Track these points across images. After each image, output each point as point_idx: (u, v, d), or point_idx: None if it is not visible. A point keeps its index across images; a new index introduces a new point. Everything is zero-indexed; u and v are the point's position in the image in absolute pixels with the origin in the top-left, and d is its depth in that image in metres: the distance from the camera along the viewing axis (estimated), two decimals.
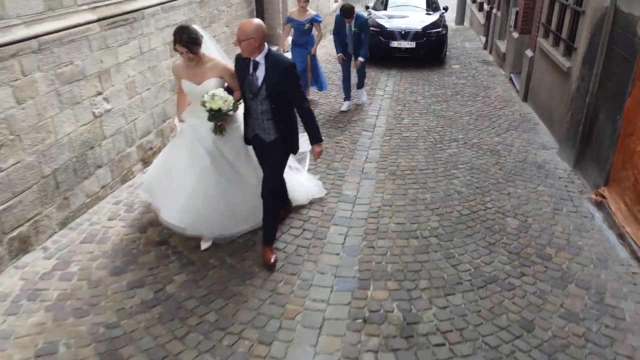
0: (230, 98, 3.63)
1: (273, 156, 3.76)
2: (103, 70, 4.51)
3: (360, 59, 7.23)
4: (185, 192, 3.76)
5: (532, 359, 2.91)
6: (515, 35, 8.90)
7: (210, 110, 3.56)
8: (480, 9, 14.56)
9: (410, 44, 10.07)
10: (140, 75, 5.09)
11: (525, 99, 7.85)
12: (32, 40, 3.68)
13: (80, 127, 4.28)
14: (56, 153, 4.02)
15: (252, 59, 3.51)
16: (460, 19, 16.71)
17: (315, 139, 3.76)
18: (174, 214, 3.78)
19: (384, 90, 8.55)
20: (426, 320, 3.23)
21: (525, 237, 4.16)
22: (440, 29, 10.33)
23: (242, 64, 3.62)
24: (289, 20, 7.27)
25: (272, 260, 3.74)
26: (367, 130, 6.63)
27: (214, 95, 3.54)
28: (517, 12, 9.11)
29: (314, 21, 7.21)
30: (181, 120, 3.99)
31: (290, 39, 7.75)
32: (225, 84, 3.80)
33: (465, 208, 4.62)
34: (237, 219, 4.02)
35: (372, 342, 3.05)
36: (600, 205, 4.59)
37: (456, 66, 10.39)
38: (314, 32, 7.37)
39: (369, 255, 3.91)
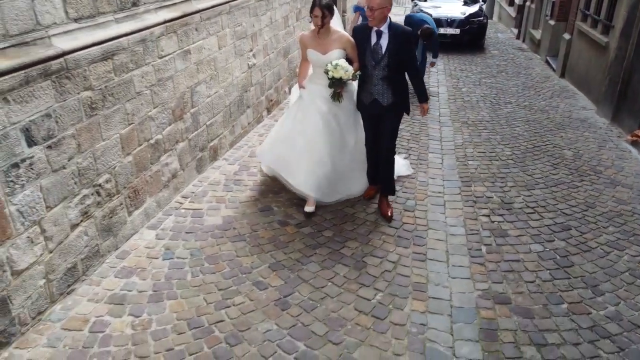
0: (351, 68, 3.98)
1: (390, 118, 4.12)
2: (254, 32, 5.90)
3: (433, 60, 8.26)
4: (298, 154, 4.18)
5: (598, 220, 4.25)
6: (552, 22, 10.22)
7: (332, 79, 3.97)
8: (511, 3, 15.89)
9: (455, 31, 11.41)
10: (269, 40, 6.47)
11: (562, 75, 9.16)
12: (226, 4, 5.07)
13: (242, 73, 5.67)
14: (232, 90, 5.41)
15: (375, 28, 3.87)
16: (489, 14, 18.02)
17: (424, 98, 4.24)
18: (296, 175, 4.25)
19: (437, 68, 9.88)
20: (518, 202, 4.58)
21: (579, 161, 5.49)
22: (481, 18, 11.69)
23: (362, 34, 3.98)
24: (358, 8, 8.10)
25: (390, 213, 4.22)
26: (433, 96, 7.97)
27: (337, 65, 3.93)
28: (553, 3, 10.44)
29: None
30: (302, 87, 4.36)
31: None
32: (346, 55, 4.15)
33: (529, 144, 5.97)
34: (338, 186, 4.33)
35: (484, 211, 4.41)
36: (635, 143, 5.90)
37: (495, 52, 11.72)
38: None
39: (464, 169, 5.27)
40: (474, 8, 12.01)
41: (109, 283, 3.30)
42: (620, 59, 6.56)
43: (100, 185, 3.36)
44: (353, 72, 4.01)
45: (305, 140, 4.19)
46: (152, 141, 3.95)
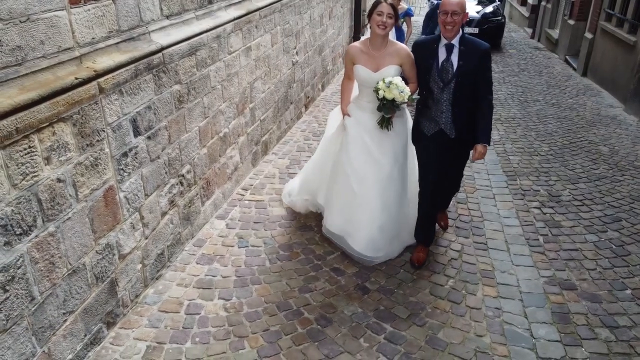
0: (407, 89, 3.23)
1: (458, 154, 3.51)
2: (297, 30, 6.04)
3: None
4: (347, 206, 3.56)
5: None
6: (571, 22, 10.38)
7: (383, 99, 3.24)
8: (523, 3, 16.08)
9: (474, 30, 11.55)
10: (308, 38, 6.62)
11: (584, 74, 9.32)
12: (278, 2, 5.22)
13: (287, 70, 5.81)
14: (280, 86, 5.56)
15: (445, 41, 3.15)
16: None
17: (486, 137, 3.33)
18: (335, 222, 3.64)
19: None
20: (565, 195, 4.74)
21: (617, 156, 5.66)
22: (500, 17, 11.86)
23: (426, 50, 3.25)
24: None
25: (446, 223, 4.09)
26: None
27: (390, 83, 3.20)
28: (572, 3, 10.60)
29: (407, 15, 8.54)
30: (346, 115, 3.58)
31: None
32: (401, 73, 3.39)
33: (565, 140, 6.14)
34: (392, 239, 3.62)
35: (534, 204, 4.57)
36: None
37: (512, 51, 11.89)
38: (405, 26, 8.69)
39: (507, 164, 5.43)
40: (489, 8, 12.19)
41: (192, 269, 3.45)
42: None
43: (183, 175, 3.51)
44: (410, 94, 3.25)
45: (352, 188, 3.49)
46: (221, 134, 4.10)
